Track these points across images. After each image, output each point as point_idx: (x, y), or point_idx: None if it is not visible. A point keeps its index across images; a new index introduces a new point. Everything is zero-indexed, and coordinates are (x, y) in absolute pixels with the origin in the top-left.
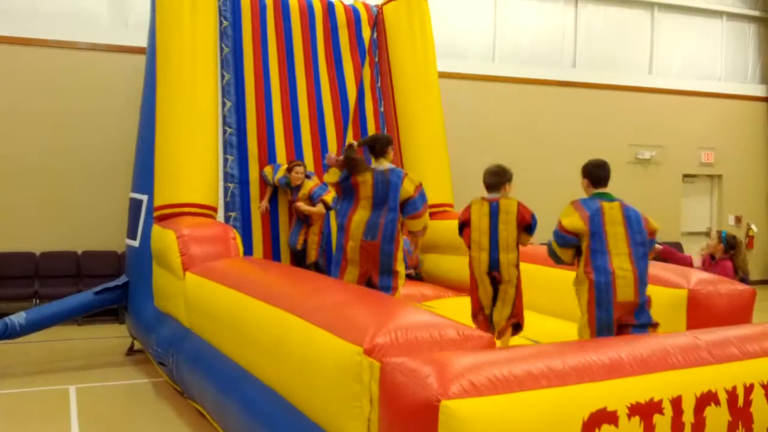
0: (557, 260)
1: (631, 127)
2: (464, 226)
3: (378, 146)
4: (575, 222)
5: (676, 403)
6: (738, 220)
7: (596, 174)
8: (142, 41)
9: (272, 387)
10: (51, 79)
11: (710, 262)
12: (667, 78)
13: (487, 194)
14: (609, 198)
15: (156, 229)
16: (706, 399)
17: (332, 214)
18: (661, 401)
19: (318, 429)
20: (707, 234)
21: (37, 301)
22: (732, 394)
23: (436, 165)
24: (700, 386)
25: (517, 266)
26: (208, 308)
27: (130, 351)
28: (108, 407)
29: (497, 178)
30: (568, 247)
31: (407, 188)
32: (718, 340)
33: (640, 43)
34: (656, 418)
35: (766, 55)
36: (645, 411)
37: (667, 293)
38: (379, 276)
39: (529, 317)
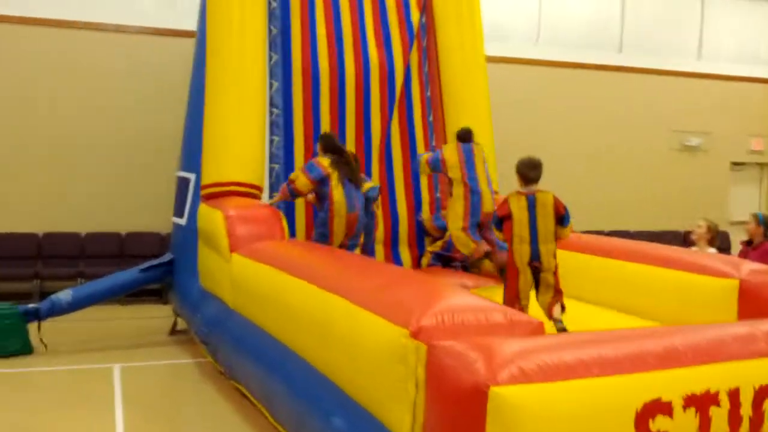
0: None
1: (678, 113)
2: (504, 219)
3: None
4: None
5: (734, 395)
6: None
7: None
8: (189, 25)
9: (317, 367)
10: (98, 61)
11: (747, 249)
12: (715, 63)
13: (522, 187)
14: None
15: (203, 208)
16: (765, 392)
17: None
18: (717, 393)
19: (362, 410)
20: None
21: (82, 281)
22: None
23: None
24: (759, 379)
25: (555, 255)
26: (254, 289)
27: (173, 330)
28: (151, 387)
29: (537, 172)
30: None
31: None
32: None
33: (688, 27)
34: (713, 410)
35: None
36: (701, 402)
37: (716, 283)
38: None
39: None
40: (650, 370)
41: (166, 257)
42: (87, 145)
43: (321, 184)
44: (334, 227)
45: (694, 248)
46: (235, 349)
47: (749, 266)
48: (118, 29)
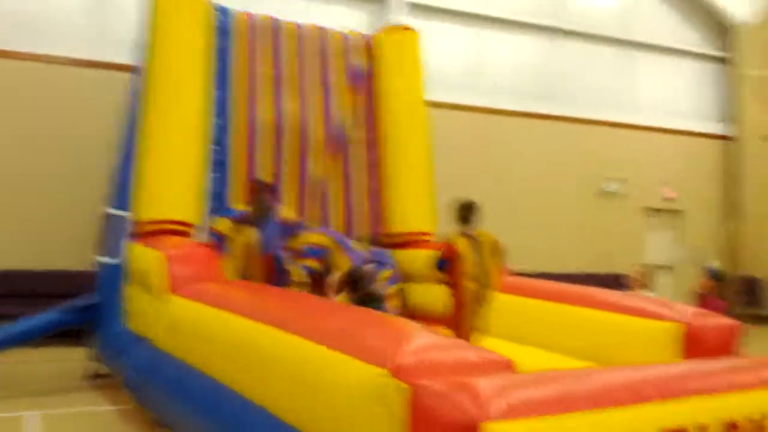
0: None
1: (600, 161)
2: (451, 260)
3: None
4: None
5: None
6: (696, 255)
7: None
8: (118, 58)
9: (278, 414)
10: (17, 92)
11: (698, 298)
12: (635, 113)
13: (461, 227)
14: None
15: (134, 247)
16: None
17: None
18: (686, 429)
19: None
20: (669, 267)
21: None
22: None
23: (420, 194)
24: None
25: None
26: (199, 331)
27: (96, 375)
28: None
29: (475, 213)
30: None
31: None
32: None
33: (612, 79)
34: None
35: (726, 95)
36: None
37: (660, 327)
38: None
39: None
40: (625, 405)
41: (92, 298)
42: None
43: None
44: None
45: (629, 291)
46: (173, 395)
47: (689, 310)
48: (36, 58)
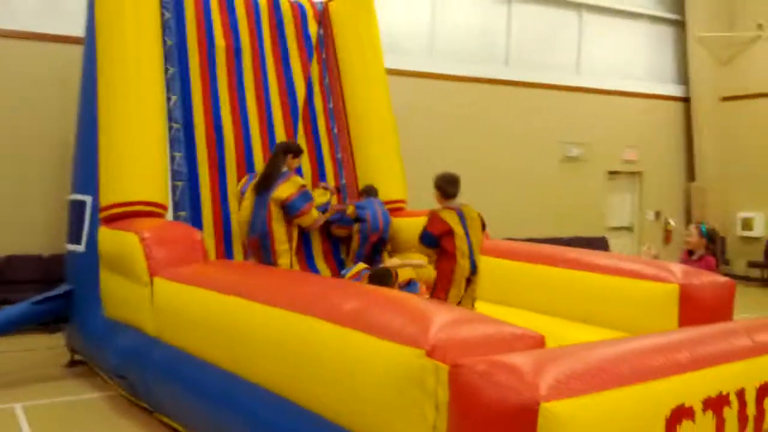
0: None
1: (560, 125)
2: (444, 235)
3: None
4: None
5: (741, 395)
6: (657, 215)
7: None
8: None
9: (289, 398)
10: None
11: (688, 258)
12: (593, 77)
13: (443, 202)
14: None
15: (106, 231)
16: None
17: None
18: (728, 394)
19: None
20: (629, 229)
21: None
22: None
23: (389, 161)
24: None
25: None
26: (192, 315)
27: (72, 362)
28: (66, 428)
29: (457, 187)
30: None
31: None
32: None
33: (569, 43)
34: (726, 411)
35: (681, 56)
36: (716, 405)
37: (655, 288)
38: None
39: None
40: (673, 375)
41: (63, 288)
42: None
43: None
44: None
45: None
46: (166, 381)
47: (683, 270)
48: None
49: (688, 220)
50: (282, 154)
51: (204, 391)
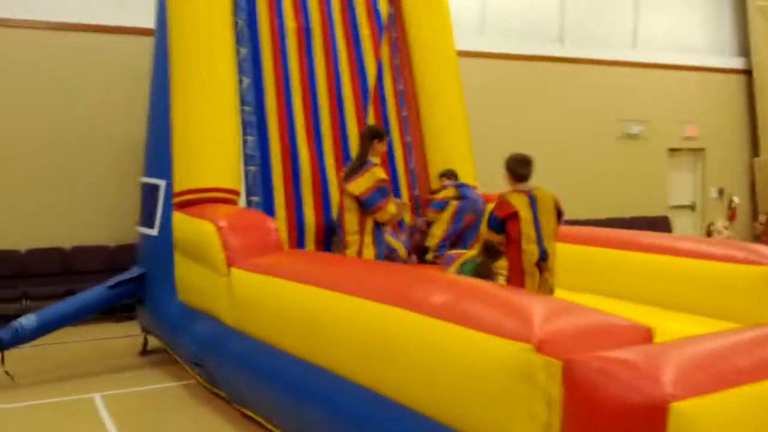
0: None
1: (618, 102)
2: (508, 219)
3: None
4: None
5: None
6: (720, 192)
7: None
8: (137, 22)
9: (382, 392)
10: (36, 61)
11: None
12: (650, 51)
13: (513, 185)
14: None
15: (182, 217)
16: None
17: None
18: None
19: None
20: (691, 207)
21: (27, 302)
22: None
23: (459, 144)
24: None
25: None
26: (272, 307)
27: (144, 350)
28: (146, 417)
29: (529, 169)
30: None
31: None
32: None
33: (624, 16)
34: None
35: (742, 27)
36: None
37: (748, 271)
38: None
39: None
40: None
41: (135, 271)
42: (22, 154)
43: None
44: None
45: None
46: (244, 372)
47: None
48: (60, 27)
49: (753, 197)
50: (368, 140)
51: (286, 382)
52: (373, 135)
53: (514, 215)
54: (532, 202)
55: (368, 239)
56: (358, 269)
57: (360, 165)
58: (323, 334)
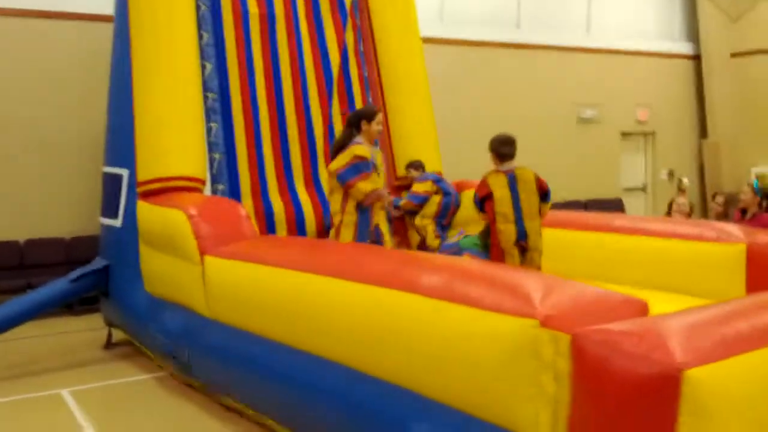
0: None
1: (572, 87)
2: (485, 199)
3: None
4: None
5: None
6: (670, 174)
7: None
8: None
9: (379, 376)
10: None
11: (742, 218)
12: (603, 37)
13: (498, 165)
14: None
15: (147, 207)
16: None
17: None
18: None
19: (458, 414)
20: (642, 189)
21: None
22: None
23: (424, 131)
24: None
25: (540, 234)
26: (253, 294)
27: (109, 344)
28: (120, 412)
29: (511, 148)
30: None
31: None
32: None
33: (578, 3)
34: None
35: (691, 13)
36: None
37: (720, 250)
38: None
39: None
40: None
41: (98, 263)
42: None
43: None
44: None
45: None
46: (224, 362)
47: (747, 230)
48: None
49: (702, 178)
50: (353, 125)
51: (271, 370)
52: (360, 117)
53: (490, 195)
54: (512, 181)
55: (348, 219)
56: (343, 253)
57: (343, 146)
58: (313, 319)
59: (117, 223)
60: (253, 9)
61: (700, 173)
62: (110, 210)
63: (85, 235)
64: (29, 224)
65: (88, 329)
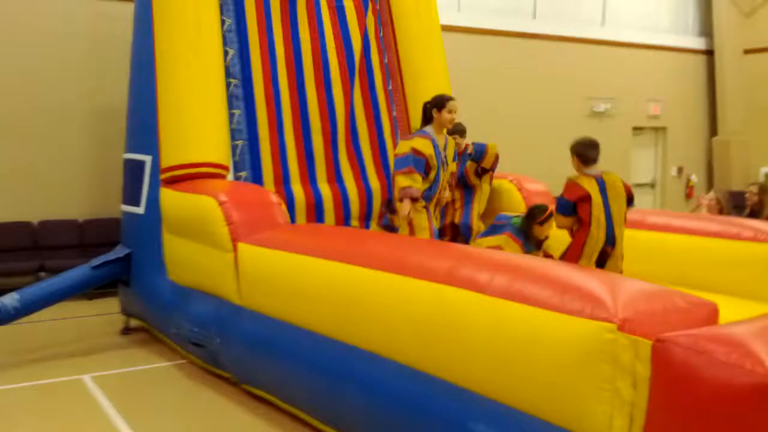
0: None
1: (586, 80)
2: (580, 202)
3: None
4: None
5: None
6: (679, 171)
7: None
8: None
9: (438, 375)
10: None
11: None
12: (617, 30)
13: (582, 169)
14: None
15: (172, 194)
16: None
17: None
18: None
19: (519, 415)
20: (651, 185)
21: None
22: None
23: None
24: None
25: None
26: (296, 284)
27: (126, 330)
28: (144, 399)
29: (596, 152)
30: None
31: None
32: None
33: None
34: None
35: (705, 8)
36: None
37: (756, 249)
38: None
39: None
40: None
41: (121, 251)
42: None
43: None
44: None
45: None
46: (262, 353)
47: None
48: None
49: (710, 176)
50: (427, 112)
51: (311, 362)
52: (431, 106)
53: (586, 198)
54: (602, 186)
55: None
56: (385, 245)
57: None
58: (364, 314)
59: (139, 210)
60: None
61: (709, 171)
62: (132, 197)
63: (99, 217)
64: (43, 206)
65: (103, 313)
